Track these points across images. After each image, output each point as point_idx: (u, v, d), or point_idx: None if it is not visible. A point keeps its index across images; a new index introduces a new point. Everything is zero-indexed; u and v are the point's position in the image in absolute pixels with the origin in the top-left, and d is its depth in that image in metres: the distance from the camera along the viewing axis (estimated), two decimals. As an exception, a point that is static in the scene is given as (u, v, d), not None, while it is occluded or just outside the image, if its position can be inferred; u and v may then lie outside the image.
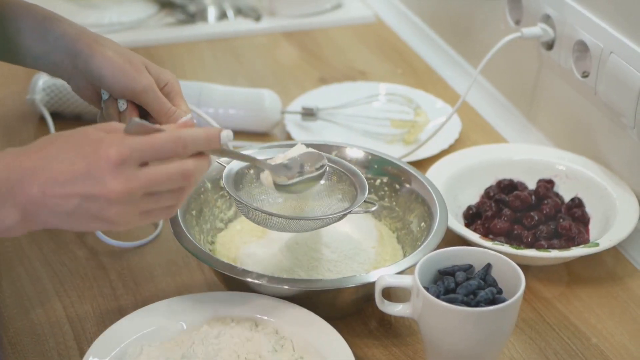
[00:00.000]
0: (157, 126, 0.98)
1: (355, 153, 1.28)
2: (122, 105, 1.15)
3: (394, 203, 1.28)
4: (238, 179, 1.18)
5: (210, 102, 1.53)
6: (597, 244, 1.24)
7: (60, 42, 1.15)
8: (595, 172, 1.36)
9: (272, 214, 1.13)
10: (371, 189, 1.27)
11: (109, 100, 1.16)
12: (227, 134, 1.00)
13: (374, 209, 1.21)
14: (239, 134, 1.52)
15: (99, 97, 1.17)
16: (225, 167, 1.17)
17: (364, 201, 1.16)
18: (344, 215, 1.16)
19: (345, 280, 1.12)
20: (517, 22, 1.51)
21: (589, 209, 1.33)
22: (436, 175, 1.34)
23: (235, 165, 1.18)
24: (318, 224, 1.15)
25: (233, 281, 1.14)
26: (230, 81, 1.66)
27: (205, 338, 1.08)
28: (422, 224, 1.23)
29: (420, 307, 1.06)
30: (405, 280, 1.08)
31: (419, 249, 1.15)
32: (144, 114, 1.16)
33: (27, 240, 1.30)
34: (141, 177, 0.94)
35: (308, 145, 1.17)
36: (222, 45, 1.81)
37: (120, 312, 1.17)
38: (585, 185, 1.35)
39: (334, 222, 1.16)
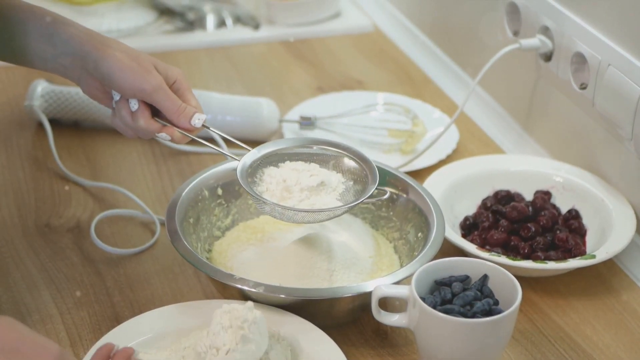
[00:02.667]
0: None
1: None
2: (134, 105, 1.16)
3: (391, 213, 1.28)
4: (252, 172, 1.18)
5: (208, 109, 1.53)
6: (593, 256, 1.24)
7: (69, 45, 1.15)
8: (592, 184, 1.36)
9: (287, 208, 1.14)
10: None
11: (120, 101, 1.16)
12: None
13: (386, 196, 1.21)
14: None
15: (110, 98, 1.18)
16: (238, 161, 1.18)
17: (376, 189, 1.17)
18: (355, 205, 1.16)
19: (342, 289, 1.12)
20: (516, 33, 1.51)
21: (585, 220, 1.33)
22: (433, 185, 1.34)
23: (249, 158, 1.19)
24: (330, 214, 1.15)
25: (230, 289, 1.14)
26: (228, 89, 1.66)
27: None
28: (419, 234, 1.23)
29: (417, 318, 1.06)
30: (402, 291, 1.08)
31: (416, 259, 1.15)
32: (156, 112, 1.17)
33: (23, 246, 1.30)
34: None
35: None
36: (221, 53, 1.81)
37: (117, 319, 1.17)
38: (582, 197, 1.36)
39: (346, 212, 1.17)
